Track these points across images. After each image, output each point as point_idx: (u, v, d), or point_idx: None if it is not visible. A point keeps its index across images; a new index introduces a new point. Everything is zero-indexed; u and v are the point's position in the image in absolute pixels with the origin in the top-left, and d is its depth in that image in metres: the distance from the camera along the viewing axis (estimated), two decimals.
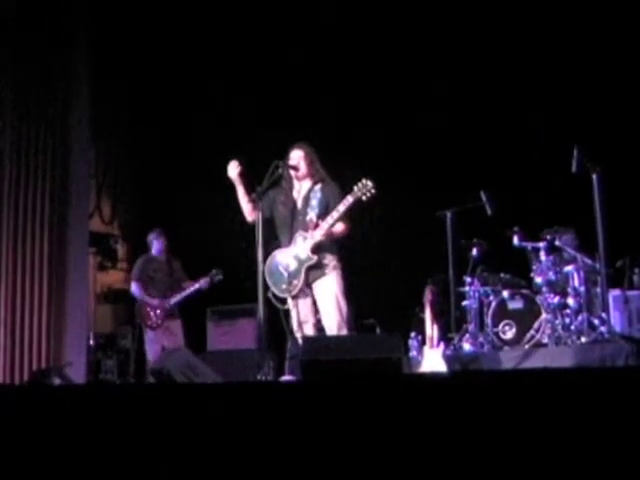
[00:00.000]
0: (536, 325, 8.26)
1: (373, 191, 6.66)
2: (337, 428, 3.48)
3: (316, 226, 6.82)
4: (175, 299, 9.47)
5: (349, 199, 6.71)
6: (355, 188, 6.70)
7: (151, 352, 9.35)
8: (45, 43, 9.67)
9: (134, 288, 9.62)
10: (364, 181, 6.70)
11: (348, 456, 3.42)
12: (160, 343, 9.35)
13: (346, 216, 6.84)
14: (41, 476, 3.72)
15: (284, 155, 7.11)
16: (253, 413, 3.64)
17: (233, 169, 7.06)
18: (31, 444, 3.79)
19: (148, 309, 9.44)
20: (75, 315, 9.63)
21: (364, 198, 6.68)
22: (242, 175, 7.06)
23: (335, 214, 6.76)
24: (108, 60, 10.75)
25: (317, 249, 6.82)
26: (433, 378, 4.74)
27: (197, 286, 9.44)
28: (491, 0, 9.74)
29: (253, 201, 6.97)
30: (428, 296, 7.87)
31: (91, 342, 10.22)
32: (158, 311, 9.41)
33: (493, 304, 8.63)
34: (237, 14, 10.54)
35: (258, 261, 6.70)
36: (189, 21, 10.71)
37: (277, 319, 7.04)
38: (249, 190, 7.02)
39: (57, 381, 8.00)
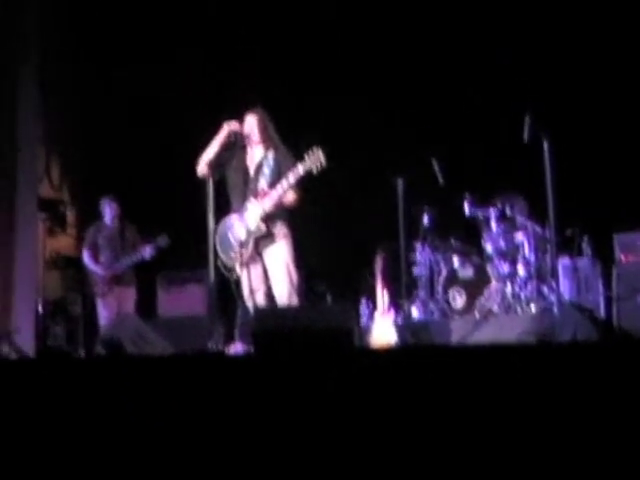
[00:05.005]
0: (486, 293, 8.29)
1: (323, 162, 6.51)
2: (289, 400, 3.48)
3: (266, 195, 6.78)
4: (120, 267, 9.43)
5: (299, 170, 6.60)
6: (305, 157, 6.58)
7: (102, 320, 9.35)
8: None
9: (84, 256, 9.64)
10: (314, 150, 6.55)
11: (296, 429, 3.43)
12: (111, 311, 9.32)
13: (297, 185, 6.78)
14: None
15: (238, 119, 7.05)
16: (204, 386, 3.63)
17: (234, 125, 6.98)
18: None
19: (95, 277, 9.48)
20: (24, 281, 9.55)
21: (314, 170, 6.56)
22: (231, 136, 6.99)
23: (285, 183, 6.69)
24: (59, 20, 10.59)
25: (267, 218, 6.78)
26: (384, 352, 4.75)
27: (140, 255, 9.38)
28: None
29: (210, 165, 6.92)
30: (379, 263, 7.88)
31: (39, 309, 10.09)
32: (105, 279, 9.41)
33: (443, 271, 8.65)
34: None
35: (209, 227, 6.67)
36: None
37: (227, 285, 7.00)
38: (221, 152, 6.99)
39: (5, 348, 7.92)
